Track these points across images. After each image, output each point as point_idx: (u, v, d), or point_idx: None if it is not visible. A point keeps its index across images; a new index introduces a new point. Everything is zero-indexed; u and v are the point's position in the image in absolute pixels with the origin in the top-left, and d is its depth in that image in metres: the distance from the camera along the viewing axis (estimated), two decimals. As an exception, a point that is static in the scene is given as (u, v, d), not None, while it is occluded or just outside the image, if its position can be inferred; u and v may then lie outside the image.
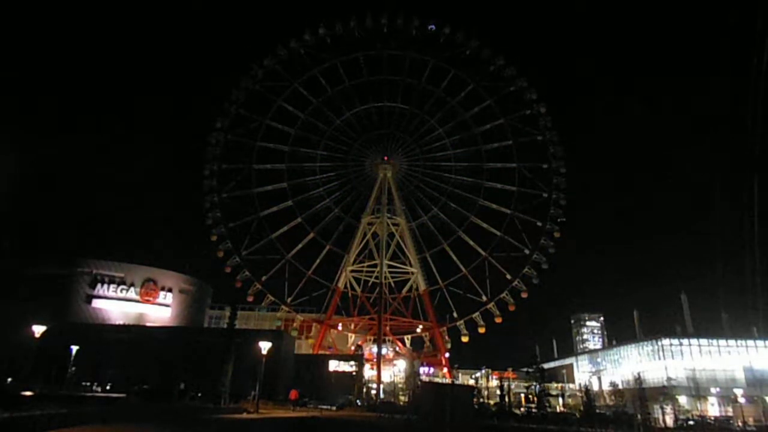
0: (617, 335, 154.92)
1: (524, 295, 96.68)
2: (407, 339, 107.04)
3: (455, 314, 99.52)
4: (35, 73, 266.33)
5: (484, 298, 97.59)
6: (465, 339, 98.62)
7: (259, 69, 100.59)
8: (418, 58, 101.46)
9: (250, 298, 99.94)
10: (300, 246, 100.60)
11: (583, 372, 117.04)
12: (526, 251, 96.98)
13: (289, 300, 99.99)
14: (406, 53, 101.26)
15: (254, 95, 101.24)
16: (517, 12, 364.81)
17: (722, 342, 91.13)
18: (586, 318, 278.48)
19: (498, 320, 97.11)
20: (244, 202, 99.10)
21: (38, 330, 53.92)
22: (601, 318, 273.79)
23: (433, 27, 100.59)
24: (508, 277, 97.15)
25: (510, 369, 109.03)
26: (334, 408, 64.32)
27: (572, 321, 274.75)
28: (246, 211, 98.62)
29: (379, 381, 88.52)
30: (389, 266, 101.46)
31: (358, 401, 75.30)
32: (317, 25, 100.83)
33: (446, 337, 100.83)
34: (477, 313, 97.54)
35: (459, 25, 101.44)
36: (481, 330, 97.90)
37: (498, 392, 78.07)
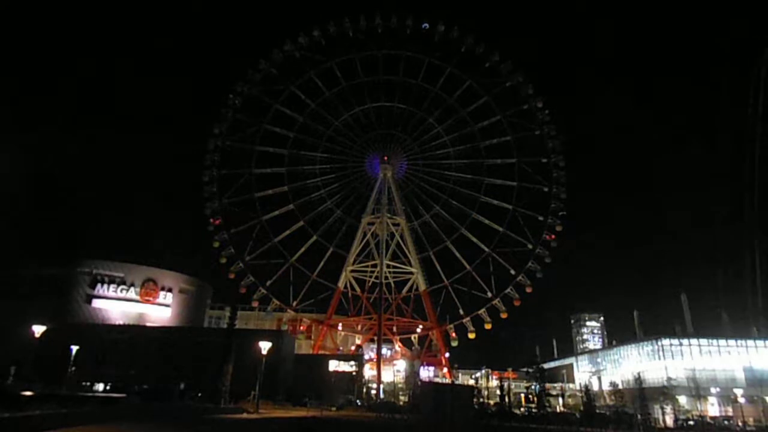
0: (617, 335, 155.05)
1: (529, 290, 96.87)
2: (414, 339, 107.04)
3: (461, 311, 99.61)
4: (35, 72, 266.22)
5: (489, 294, 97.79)
6: (472, 335, 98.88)
7: (255, 73, 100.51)
8: (413, 57, 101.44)
9: (254, 303, 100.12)
10: (303, 249, 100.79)
11: (583, 372, 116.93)
12: (529, 246, 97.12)
13: (294, 303, 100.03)
14: (401, 52, 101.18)
15: (251, 99, 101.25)
16: (511, 8, 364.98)
17: (722, 342, 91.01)
18: (586, 318, 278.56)
19: (504, 315, 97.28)
20: (246, 206, 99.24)
21: (38, 330, 53.97)
22: (601, 318, 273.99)
23: (426, 26, 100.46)
24: (512, 272, 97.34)
25: (510, 369, 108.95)
26: (334, 408, 64.34)
27: (572, 321, 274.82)
28: (248, 216, 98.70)
29: (379, 381, 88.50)
30: (389, 266, 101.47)
31: (358, 401, 75.27)
32: (311, 27, 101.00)
33: (453, 335, 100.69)
34: (483, 310, 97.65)
35: (453, 22, 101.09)
36: (488, 326, 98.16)
37: (498, 392, 77.91)
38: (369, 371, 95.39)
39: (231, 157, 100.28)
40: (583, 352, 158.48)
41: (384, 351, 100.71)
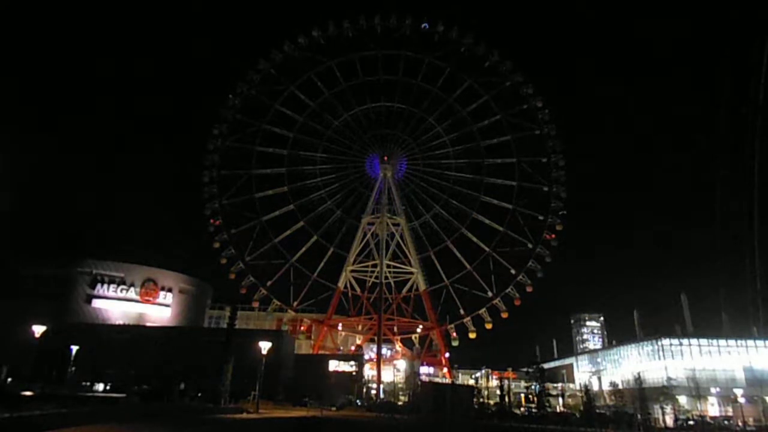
0: (617, 335, 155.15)
1: (529, 290, 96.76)
2: (415, 339, 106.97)
3: (462, 311, 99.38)
4: (35, 73, 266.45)
5: (490, 294, 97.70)
6: (473, 335, 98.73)
7: (255, 73, 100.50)
8: (412, 57, 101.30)
9: (255, 304, 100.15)
10: (303, 249, 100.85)
11: (583, 372, 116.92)
12: (530, 245, 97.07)
13: (294, 304, 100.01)
14: (401, 52, 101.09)
15: (251, 100, 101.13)
16: (511, 7, 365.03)
17: (722, 342, 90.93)
18: (586, 318, 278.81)
19: (504, 315, 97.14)
20: (246, 207, 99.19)
21: (38, 330, 53.99)
22: (601, 318, 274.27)
23: (426, 26, 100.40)
24: (513, 271, 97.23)
25: (510, 369, 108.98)
26: (334, 408, 64.32)
27: (572, 321, 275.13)
28: (248, 217, 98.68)
29: (379, 381, 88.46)
30: (389, 266, 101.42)
31: (358, 401, 75.29)
32: (311, 28, 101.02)
33: (454, 335, 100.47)
34: (484, 309, 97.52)
35: (452, 22, 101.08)
36: (488, 326, 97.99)
37: (498, 392, 77.92)
38: (369, 371, 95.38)
39: (231, 157, 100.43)
40: (583, 352, 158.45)
41: (384, 351, 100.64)
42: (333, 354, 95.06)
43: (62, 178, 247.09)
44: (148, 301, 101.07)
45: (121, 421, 33.30)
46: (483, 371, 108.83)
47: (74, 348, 65.12)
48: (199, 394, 61.93)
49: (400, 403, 77.02)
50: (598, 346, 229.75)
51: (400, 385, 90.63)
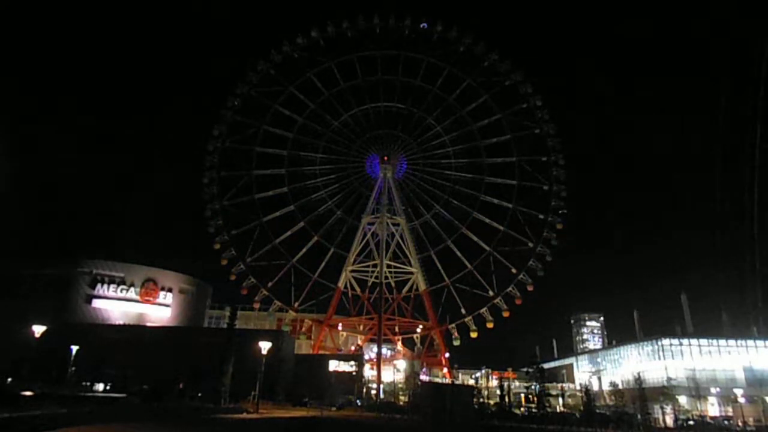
0: (617, 335, 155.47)
1: (530, 289, 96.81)
2: (416, 339, 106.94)
3: (463, 311, 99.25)
4: (36, 74, 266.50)
5: (491, 293, 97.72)
6: (474, 335, 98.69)
7: (254, 74, 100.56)
8: (412, 57, 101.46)
9: (256, 305, 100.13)
10: (304, 250, 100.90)
11: (583, 372, 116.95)
12: (530, 244, 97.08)
13: (296, 304, 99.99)
14: (400, 52, 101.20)
15: (250, 101, 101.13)
16: (510, 6, 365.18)
17: (722, 342, 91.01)
18: (586, 318, 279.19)
19: (506, 314, 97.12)
20: (246, 208, 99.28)
21: (38, 330, 54.00)
22: (601, 318, 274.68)
23: (425, 25, 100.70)
24: (514, 271, 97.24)
25: (510, 369, 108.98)
26: (334, 408, 64.31)
27: (572, 321, 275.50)
28: (248, 218, 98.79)
29: (379, 381, 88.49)
30: (389, 266, 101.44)
31: (358, 401, 75.28)
32: (310, 28, 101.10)
33: (455, 334, 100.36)
34: (485, 308, 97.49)
35: (452, 22, 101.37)
36: (490, 325, 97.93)
37: (498, 392, 77.91)
38: (369, 371, 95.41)
39: (231, 158, 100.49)
40: (583, 352, 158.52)
41: (384, 351, 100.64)
42: (333, 354, 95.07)
43: (63, 178, 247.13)
44: (148, 301, 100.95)
45: (121, 421, 33.27)
46: (483, 371, 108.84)
47: (74, 348, 65.10)
48: (199, 394, 61.88)
49: (400, 403, 77.00)
50: (598, 346, 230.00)
51: (400, 385, 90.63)
